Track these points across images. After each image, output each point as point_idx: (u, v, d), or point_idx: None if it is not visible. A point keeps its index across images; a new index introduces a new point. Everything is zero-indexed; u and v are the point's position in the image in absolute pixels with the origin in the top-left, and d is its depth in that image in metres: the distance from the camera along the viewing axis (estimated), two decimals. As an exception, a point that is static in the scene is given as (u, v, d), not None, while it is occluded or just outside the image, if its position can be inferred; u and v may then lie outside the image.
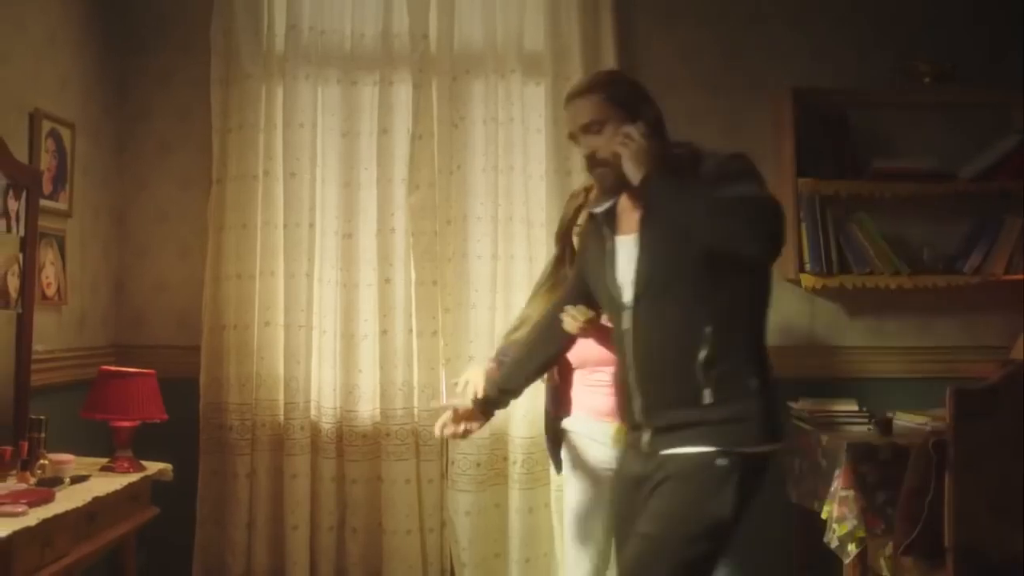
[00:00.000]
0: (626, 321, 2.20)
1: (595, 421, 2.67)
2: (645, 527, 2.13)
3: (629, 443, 2.31)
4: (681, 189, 2.07)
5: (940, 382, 2.77)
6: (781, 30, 3.80)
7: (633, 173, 2.12)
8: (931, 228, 3.74)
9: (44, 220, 3.13)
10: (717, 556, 2.16)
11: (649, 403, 2.19)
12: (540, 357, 2.54)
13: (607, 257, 2.27)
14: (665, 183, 2.08)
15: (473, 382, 2.62)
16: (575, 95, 2.27)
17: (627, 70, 3.68)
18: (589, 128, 2.22)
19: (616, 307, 2.24)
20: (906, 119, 3.78)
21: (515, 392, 2.54)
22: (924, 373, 3.63)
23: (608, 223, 2.29)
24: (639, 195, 2.18)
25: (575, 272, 2.53)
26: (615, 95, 2.23)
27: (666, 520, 2.10)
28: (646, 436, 2.19)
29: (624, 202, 2.28)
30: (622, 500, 2.32)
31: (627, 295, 2.20)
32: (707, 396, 2.10)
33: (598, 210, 2.32)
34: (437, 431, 2.52)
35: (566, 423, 2.78)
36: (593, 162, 2.24)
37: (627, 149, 2.12)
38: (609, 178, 2.22)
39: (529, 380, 2.56)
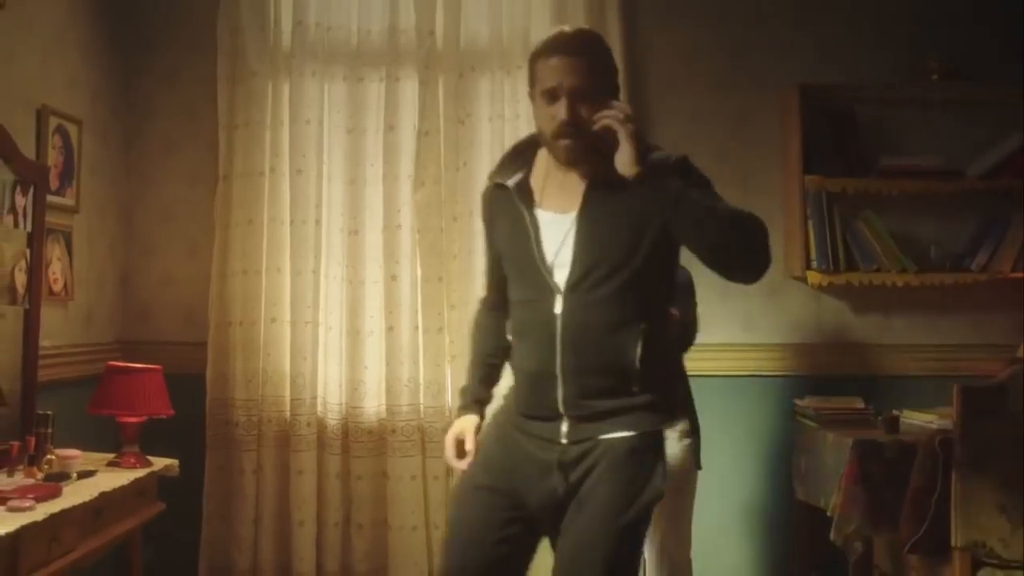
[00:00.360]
0: (557, 305, 2.05)
1: None
2: (588, 511, 2.03)
3: (531, 431, 2.12)
4: (676, 196, 1.92)
5: (947, 380, 2.77)
6: (786, 28, 3.78)
7: (629, 161, 1.92)
8: (938, 226, 3.73)
9: (51, 216, 3.13)
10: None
11: (576, 393, 2.06)
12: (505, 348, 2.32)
13: (530, 232, 2.08)
14: (659, 186, 1.92)
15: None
16: (570, 51, 1.99)
17: (632, 68, 3.69)
18: (576, 92, 1.97)
19: (543, 288, 2.07)
20: (914, 117, 3.76)
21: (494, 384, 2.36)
22: (931, 371, 3.61)
23: (522, 197, 2.10)
24: (591, 179, 2.03)
25: (491, 256, 2.30)
26: (609, 63, 2.04)
27: (612, 502, 2.02)
28: (565, 426, 2.08)
29: (547, 175, 2.11)
30: (504, 468, 2.14)
31: (559, 277, 2.06)
32: (637, 387, 2.06)
33: (511, 182, 2.12)
34: (456, 466, 2.31)
35: None
36: (568, 131, 1.99)
37: (624, 129, 1.92)
38: (581, 152, 2.01)
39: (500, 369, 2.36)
